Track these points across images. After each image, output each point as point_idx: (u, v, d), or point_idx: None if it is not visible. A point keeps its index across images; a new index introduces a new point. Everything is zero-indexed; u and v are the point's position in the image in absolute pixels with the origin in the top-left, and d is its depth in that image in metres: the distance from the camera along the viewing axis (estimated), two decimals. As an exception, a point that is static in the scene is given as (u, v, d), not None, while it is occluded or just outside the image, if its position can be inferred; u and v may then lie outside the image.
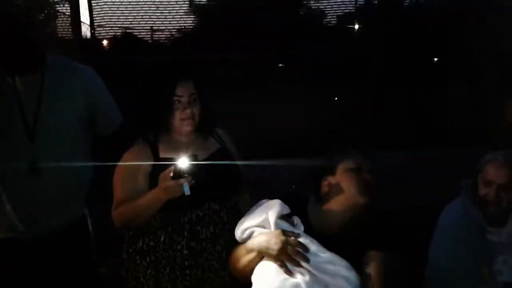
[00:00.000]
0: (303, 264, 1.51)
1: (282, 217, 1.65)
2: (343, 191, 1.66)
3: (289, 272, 1.52)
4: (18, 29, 1.79)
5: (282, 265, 1.53)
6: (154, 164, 1.80)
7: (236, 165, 1.94)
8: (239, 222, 1.71)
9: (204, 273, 1.81)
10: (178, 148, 1.83)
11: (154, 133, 1.86)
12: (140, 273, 1.84)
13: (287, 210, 1.66)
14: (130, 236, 1.87)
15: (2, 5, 1.83)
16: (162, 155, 1.82)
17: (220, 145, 1.95)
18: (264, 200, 1.73)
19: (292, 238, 1.55)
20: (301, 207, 1.73)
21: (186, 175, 1.63)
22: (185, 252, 1.79)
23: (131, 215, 1.78)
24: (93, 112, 1.99)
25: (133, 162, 1.82)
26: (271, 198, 1.73)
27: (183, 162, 1.63)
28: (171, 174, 1.64)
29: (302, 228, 1.65)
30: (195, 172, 1.63)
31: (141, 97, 1.90)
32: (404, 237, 1.67)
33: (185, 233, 1.80)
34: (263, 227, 1.64)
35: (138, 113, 1.90)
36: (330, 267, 1.52)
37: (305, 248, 1.53)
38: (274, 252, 1.53)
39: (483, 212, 1.96)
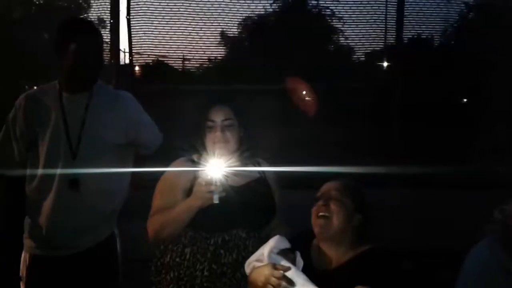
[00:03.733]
0: None
1: (282, 251, 1.70)
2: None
3: None
4: (98, 48, 1.96)
5: None
6: (192, 181, 1.86)
7: (271, 197, 1.96)
8: None
9: None
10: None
11: (196, 153, 1.94)
12: (163, 286, 1.87)
13: (285, 245, 1.72)
14: (161, 250, 1.92)
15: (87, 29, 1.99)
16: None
17: (259, 175, 1.99)
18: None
19: (279, 271, 1.59)
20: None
21: (217, 183, 1.71)
22: (206, 273, 1.81)
23: (163, 223, 1.84)
24: (134, 136, 2.08)
25: (174, 176, 1.90)
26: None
27: (216, 170, 1.72)
28: (204, 181, 1.72)
29: (301, 263, 1.69)
30: (225, 186, 1.73)
31: (184, 119, 1.99)
32: (397, 275, 1.63)
33: (208, 255, 1.82)
34: (261, 261, 1.69)
35: (181, 136, 2.00)
36: None
37: (290, 281, 1.58)
38: (260, 284, 1.60)
39: None
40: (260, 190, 1.94)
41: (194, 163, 1.92)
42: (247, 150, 1.97)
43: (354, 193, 1.76)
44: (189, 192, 1.85)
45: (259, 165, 2.02)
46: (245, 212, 1.84)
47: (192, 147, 1.95)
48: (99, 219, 2.01)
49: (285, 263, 1.65)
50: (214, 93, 1.99)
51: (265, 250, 1.69)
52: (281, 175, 2.04)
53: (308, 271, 1.65)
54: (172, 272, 1.86)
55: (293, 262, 1.68)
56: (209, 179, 1.72)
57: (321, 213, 1.71)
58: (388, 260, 1.66)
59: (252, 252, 1.81)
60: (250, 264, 1.72)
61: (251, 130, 1.99)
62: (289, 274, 1.60)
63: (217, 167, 1.73)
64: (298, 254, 1.72)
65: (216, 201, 1.72)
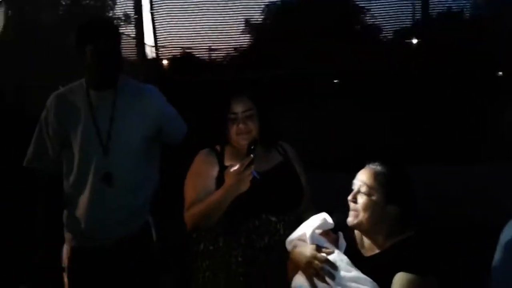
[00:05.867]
0: (328, 280, 1.55)
1: (325, 232, 1.69)
2: None
3: (314, 286, 1.57)
4: (113, 47, 2.00)
5: (309, 279, 1.59)
6: (219, 171, 1.90)
7: (298, 180, 1.98)
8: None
9: (256, 282, 1.85)
10: (241, 158, 1.88)
11: (219, 144, 1.98)
12: (200, 274, 1.93)
13: (329, 225, 1.69)
14: (194, 239, 1.97)
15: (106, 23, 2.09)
16: (226, 163, 1.92)
17: (283, 158, 2.01)
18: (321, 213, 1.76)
19: (322, 254, 1.59)
20: None
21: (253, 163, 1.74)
22: (240, 259, 1.86)
23: (201, 215, 1.86)
24: (160, 128, 2.13)
25: (204, 167, 1.94)
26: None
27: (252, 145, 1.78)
28: (247, 161, 1.74)
29: (344, 244, 1.68)
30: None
31: (205, 113, 2.03)
32: (441, 259, 1.58)
33: (242, 241, 1.86)
34: (304, 240, 1.68)
35: (204, 128, 2.03)
36: (354, 286, 1.53)
37: (332, 265, 1.56)
38: (303, 265, 1.60)
39: None
40: (285, 173, 1.96)
41: (217, 153, 1.96)
42: (270, 136, 1.99)
43: (386, 183, 1.62)
44: (218, 181, 1.88)
45: (283, 149, 2.04)
46: (272, 196, 1.86)
47: (215, 138, 1.98)
48: (133, 209, 2.07)
49: (328, 245, 1.64)
50: (232, 85, 2.01)
51: (307, 229, 1.67)
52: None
53: (351, 253, 1.64)
54: (207, 260, 1.92)
55: (336, 243, 1.68)
56: (246, 162, 1.72)
57: (351, 208, 1.67)
58: (429, 246, 1.60)
59: (284, 235, 1.83)
60: (292, 242, 1.72)
61: (273, 116, 2.00)
62: (332, 257, 1.59)
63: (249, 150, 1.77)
64: (341, 235, 1.70)
65: (258, 176, 1.75)
